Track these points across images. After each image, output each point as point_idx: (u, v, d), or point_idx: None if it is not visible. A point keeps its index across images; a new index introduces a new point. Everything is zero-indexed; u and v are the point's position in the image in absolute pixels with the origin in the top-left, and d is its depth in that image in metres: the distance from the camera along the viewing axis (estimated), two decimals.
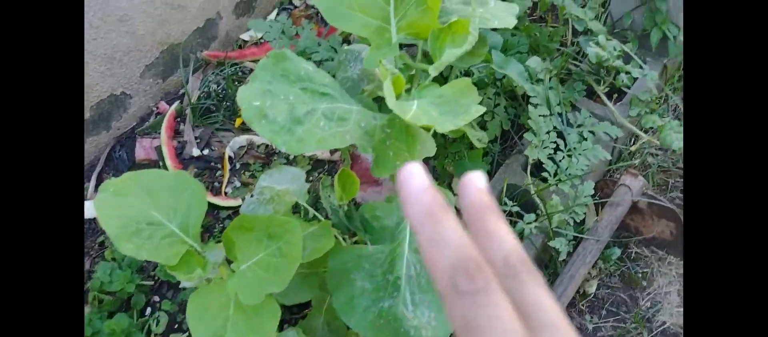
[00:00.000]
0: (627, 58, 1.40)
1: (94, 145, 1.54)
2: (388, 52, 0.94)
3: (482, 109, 0.81)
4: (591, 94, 1.48)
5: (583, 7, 1.64)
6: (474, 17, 0.90)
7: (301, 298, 0.97)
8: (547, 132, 1.26)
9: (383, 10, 0.94)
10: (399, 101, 0.81)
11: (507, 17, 1.00)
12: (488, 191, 0.33)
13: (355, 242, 1.01)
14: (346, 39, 1.65)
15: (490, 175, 1.39)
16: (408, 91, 0.96)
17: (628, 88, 1.40)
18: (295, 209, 1.21)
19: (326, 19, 0.92)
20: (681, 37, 1.41)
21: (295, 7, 1.90)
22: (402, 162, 0.85)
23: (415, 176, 0.32)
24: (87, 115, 1.49)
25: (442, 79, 1.19)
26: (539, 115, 1.25)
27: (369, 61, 0.93)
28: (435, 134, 0.89)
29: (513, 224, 1.23)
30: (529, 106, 1.26)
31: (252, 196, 1.06)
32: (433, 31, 0.93)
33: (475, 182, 0.33)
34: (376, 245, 0.95)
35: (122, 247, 0.79)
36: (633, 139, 1.48)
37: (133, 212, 0.83)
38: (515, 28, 1.58)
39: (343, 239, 1.01)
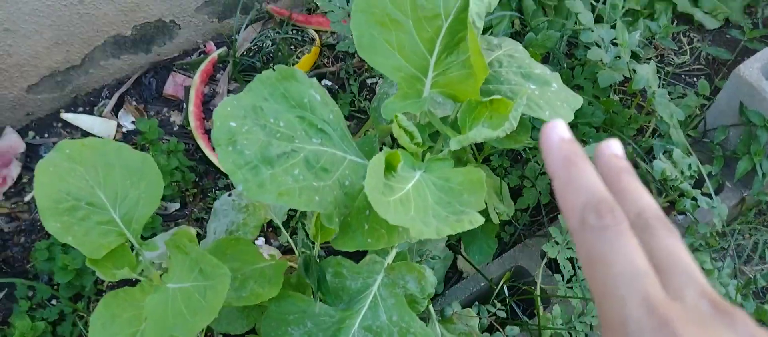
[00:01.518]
0: (701, 179, 1.21)
1: (129, 63, 1.48)
2: (415, 106, 0.81)
3: (480, 221, 0.68)
4: None
5: (681, 99, 1.45)
6: (519, 103, 0.76)
7: (234, 330, 0.87)
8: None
9: (422, 59, 0.81)
10: (387, 184, 0.69)
11: (564, 110, 0.85)
12: (624, 156, 0.35)
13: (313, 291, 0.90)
14: None
15: (504, 249, 1.25)
16: (425, 154, 0.84)
17: (689, 214, 1.22)
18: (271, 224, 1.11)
19: (357, 49, 0.80)
20: None
21: None
22: (375, 241, 0.73)
23: (557, 128, 0.35)
24: (127, 32, 1.42)
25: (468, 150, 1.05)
26: None
27: (388, 110, 0.80)
28: None
29: (495, 330, 1.10)
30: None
31: (230, 194, 0.97)
32: (470, 102, 0.79)
33: (612, 148, 0.35)
34: (330, 305, 0.84)
35: (47, 223, 0.71)
36: None
37: (75, 185, 0.74)
38: (595, 96, 1.41)
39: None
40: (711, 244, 1.23)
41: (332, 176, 0.72)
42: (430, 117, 0.84)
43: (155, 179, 0.77)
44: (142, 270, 0.80)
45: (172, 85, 1.49)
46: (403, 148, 0.82)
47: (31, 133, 1.42)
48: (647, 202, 0.32)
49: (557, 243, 1.08)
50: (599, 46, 1.33)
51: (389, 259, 0.89)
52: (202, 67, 1.49)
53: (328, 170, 0.72)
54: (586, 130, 1.35)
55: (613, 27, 1.34)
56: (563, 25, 1.46)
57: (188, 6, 1.47)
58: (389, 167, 0.71)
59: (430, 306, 1.00)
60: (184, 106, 1.46)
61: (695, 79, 1.57)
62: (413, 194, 0.72)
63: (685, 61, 1.61)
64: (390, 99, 0.81)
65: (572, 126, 1.37)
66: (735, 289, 1.14)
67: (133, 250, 0.78)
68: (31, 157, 1.38)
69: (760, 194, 1.27)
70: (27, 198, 1.33)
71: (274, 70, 0.76)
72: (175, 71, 1.51)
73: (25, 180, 1.35)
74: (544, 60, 1.47)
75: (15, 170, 1.35)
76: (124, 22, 1.40)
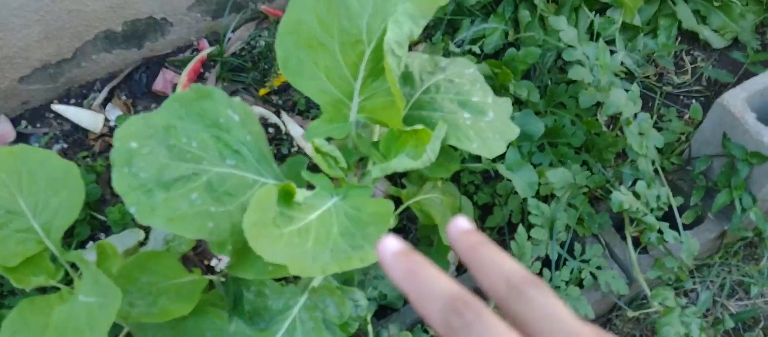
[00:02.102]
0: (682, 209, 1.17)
1: (121, 58, 1.51)
2: (340, 131, 0.81)
3: (372, 259, 0.67)
4: (621, 226, 1.26)
5: (671, 121, 1.39)
6: (436, 136, 0.74)
7: None
8: (533, 261, 1.08)
9: (347, 83, 0.80)
10: (286, 214, 0.69)
11: (495, 141, 0.82)
12: (474, 229, 0.35)
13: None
14: None
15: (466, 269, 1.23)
16: (346, 179, 0.83)
17: (657, 247, 1.18)
18: None
19: (282, 70, 0.80)
20: (754, 215, 1.16)
21: None
22: (277, 269, 0.73)
23: (386, 245, 0.34)
24: (118, 28, 1.45)
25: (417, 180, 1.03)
26: (528, 239, 1.07)
27: (311, 133, 0.80)
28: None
29: None
30: (520, 226, 1.08)
31: None
32: (393, 132, 0.78)
33: (460, 225, 0.35)
34: (250, 324, 0.85)
35: None
36: (639, 303, 1.26)
37: None
38: (577, 115, 1.37)
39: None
40: (681, 278, 1.18)
41: (237, 200, 0.73)
42: (359, 142, 0.83)
43: (77, 188, 0.79)
44: (70, 278, 0.83)
45: (162, 82, 1.51)
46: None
47: (23, 123, 1.47)
48: (510, 267, 0.32)
49: None
50: (583, 65, 1.29)
51: (317, 281, 0.88)
52: (190, 65, 1.51)
53: (232, 194, 0.72)
54: (565, 150, 1.32)
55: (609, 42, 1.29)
56: (558, 39, 1.42)
57: (180, 4, 1.49)
58: (291, 195, 0.70)
59: (369, 327, 1.00)
60: None
61: (693, 101, 1.51)
62: (316, 225, 0.71)
63: (685, 82, 1.54)
64: (315, 122, 0.81)
65: (552, 145, 1.34)
66: (699, 329, 1.09)
67: (54, 259, 0.80)
68: None
69: (740, 230, 1.21)
70: None
71: (193, 97, 0.76)
72: (166, 68, 1.54)
73: None
74: (528, 75, 1.44)
75: None
76: (114, 18, 1.43)
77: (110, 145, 1.44)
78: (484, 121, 0.84)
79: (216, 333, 0.82)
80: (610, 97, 1.13)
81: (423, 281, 0.32)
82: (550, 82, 1.41)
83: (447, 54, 1.52)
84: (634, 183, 1.12)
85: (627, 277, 1.20)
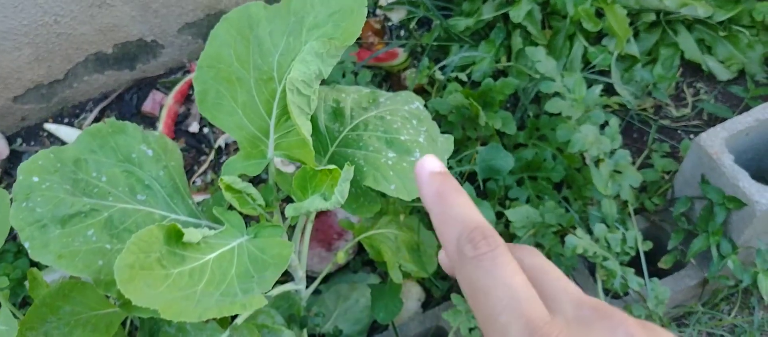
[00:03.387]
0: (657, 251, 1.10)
1: (113, 79, 1.55)
2: (256, 167, 0.80)
3: (258, 304, 0.65)
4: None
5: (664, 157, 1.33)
6: (343, 178, 0.72)
7: None
8: None
9: (262, 120, 0.79)
10: (179, 254, 0.68)
11: (406, 186, 0.79)
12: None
13: None
14: (378, 77, 1.49)
15: (433, 304, 1.19)
16: (270, 214, 0.82)
17: (624, 296, 1.12)
18: None
19: (198, 105, 0.79)
20: (732, 263, 1.08)
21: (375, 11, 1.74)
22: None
23: (427, 163, 0.35)
24: (108, 50, 1.49)
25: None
26: None
27: (228, 169, 0.79)
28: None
29: None
30: None
31: None
32: (305, 171, 0.77)
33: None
34: None
35: None
36: None
37: None
38: (559, 149, 1.32)
39: None
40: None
41: None
42: (279, 179, 0.82)
43: (3, 217, 0.81)
44: None
45: (151, 103, 1.54)
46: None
47: (19, 140, 1.52)
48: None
49: (460, 311, 1.02)
50: (563, 97, 1.24)
51: (240, 318, 0.87)
52: (178, 87, 1.53)
53: (133, 231, 0.72)
54: (543, 185, 1.27)
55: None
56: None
57: (169, 27, 1.52)
58: (179, 235, 0.69)
59: None
60: (157, 124, 1.51)
61: (691, 136, 1.43)
62: (214, 266, 0.70)
63: (684, 115, 1.47)
64: (231, 159, 0.80)
65: (532, 179, 1.30)
66: None
67: None
68: (13, 163, 1.48)
69: (721, 279, 1.13)
70: None
71: (109, 131, 0.76)
72: (156, 89, 1.57)
73: (2, 185, 1.45)
74: (513, 105, 1.39)
75: None
76: (104, 41, 1.46)
77: None
78: (409, 160, 0.81)
79: None
80: (575, 134, 1.08)
81: (450, 205, 0.33)
82: (530, 114, 1.37)
83: (432, 82, 1.49)
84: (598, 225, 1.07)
85: None
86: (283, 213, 0.84)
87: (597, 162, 1.11)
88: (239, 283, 0.69)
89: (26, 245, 0.67)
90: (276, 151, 0.80)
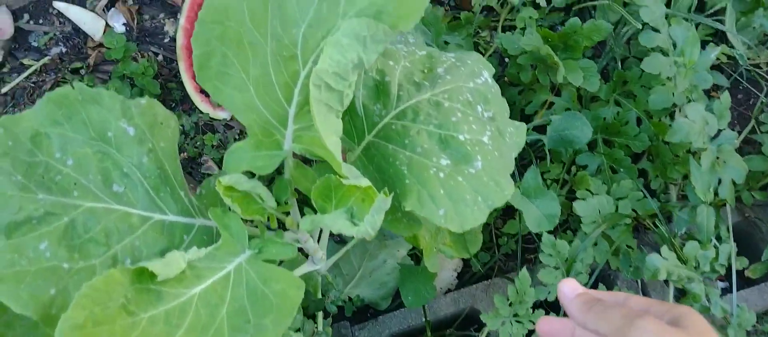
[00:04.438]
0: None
1: None
2: (268, 161, 0.62)
3: None
4: None
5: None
6: (377, 207, 0.54)
7: None
8: (533, 308, 0.87)
9: (279, 106, 0.60)
10: (154, 291, 0.52)
11: (472, 208, 0.60)
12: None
13: None
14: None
15: (469, 281, 1.04)
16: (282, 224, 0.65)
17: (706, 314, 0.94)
18: None
19: (197, 70, 0.60)
20: None
21: None
22: None
23: (567, 286, 0.48)
24: None
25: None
26: (527, 285, 0.85)
27: (233, 160, 0.61)
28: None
29: None
30: (524, 269, 0.86)
31: None
32: (326, 180, 0.58)
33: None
34: None
35: None
36: None
37: None
38: (646, 111, 1.10)
39: None
40: None
41: (107, 250, 0.56)
42: (297, 173, 0.64)
43: None
44: None
45: None
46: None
47: (26, 16, 1.34)
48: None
49: (498, 316, 0.86)
50: (665, 54, 1.00)
51: None
52: None
53: (102, 242, 0.56)
54: (620, 155, 1.06)
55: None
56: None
57: None
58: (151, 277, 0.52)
59: None
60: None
61: None
62: (199, 304, 0.55)
63: None
64: (237, 146, 0.61)
65: (608, 143, 1.09)
66: None
67: None
68: (19, 44, 1.31)
69: None
70: (4, 90, 1.28)
71: (73, 87, 0.58)
72: None
73: (5, 69, 1.29)
74: (598, 52, 1.15)
75: None
76: None
77: (105, 61, 1.31)
78: (467, 172, 0.62)
79: None
80: (677, 119, 0.86)
81: (602, 306, 0.45)
82: (619, 64, 1.13)
83: (503, 2, 1.24)
84: (686, 236, 0.87)
85: None
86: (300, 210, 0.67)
87: (697, 154, 0.90)
88: (230, 330, 0.54)
89: None
90: (295, 144, 0.61)
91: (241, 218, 0.61)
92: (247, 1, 0.57)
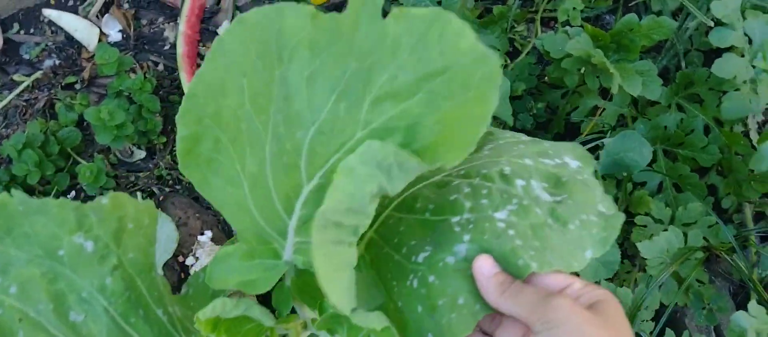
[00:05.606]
0: None
1: None
2: (266, 276, 0.50)
3: None
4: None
5: None
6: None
7: None
8: None
9: (277, 217, 0.47)
10: None
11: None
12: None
13: None
14: None
15: None
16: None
17: None
18: None
19: (179, 153, 0.48)
20: None
21: None
22: None
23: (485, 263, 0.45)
24: None
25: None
26: None
27: (218, 275, 0.50)
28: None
29: None
30: None
31: None
32: (332, 316, 0.47)
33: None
34: None
35: None
36: None
37: None
38: (716, 119, 0.95)
39: None
40: None
41: None
42: (297, 282, 0.52)
43: None
44: None
45: None
46: None
47: (15, 26, 1.22)
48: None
49: None
50: (740, 55, 0.84)
51: None
52: None
53: None
54: (684, 170, 0.91)
55: None
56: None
57: None
58: None
59: None
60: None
61: None
62: None
63: None
64: (226, 251, 0.49)
65: (670, 155, 0.94)
66: None
67: None
68: (9, 58, 1.20)
69: None
70: None
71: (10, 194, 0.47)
72: None
73: None
74: (657, 49, 0.99)
75: None
76: None
77: (99, 75, 1.19)
78: (551, 242, 0.49)
79: None
80: (761, 147, 0.71)
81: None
82: (683, 62, 0.97)
83: None
84: None
85: None
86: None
87: None
88: None
89: None
90: (297, 255, 0.48)
91: None
92: (248, 77, 0.43)
